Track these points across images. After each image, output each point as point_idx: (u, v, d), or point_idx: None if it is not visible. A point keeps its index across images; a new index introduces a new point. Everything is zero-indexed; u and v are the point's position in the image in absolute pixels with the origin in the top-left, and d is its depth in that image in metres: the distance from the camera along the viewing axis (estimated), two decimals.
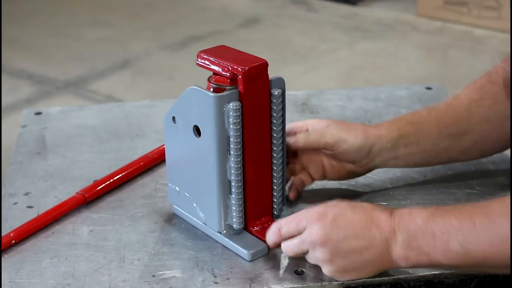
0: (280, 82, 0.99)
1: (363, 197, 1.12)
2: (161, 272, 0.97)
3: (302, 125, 1.09)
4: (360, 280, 0.94)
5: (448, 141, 1.08)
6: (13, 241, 1.02)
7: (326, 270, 0.93)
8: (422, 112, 1.09)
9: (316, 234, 0.91)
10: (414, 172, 1.17)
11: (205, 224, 1.03)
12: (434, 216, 0.88)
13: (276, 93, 0.98)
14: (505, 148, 1.12)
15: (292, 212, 1.06)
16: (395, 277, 0.95)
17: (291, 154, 1.08)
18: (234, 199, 0.99)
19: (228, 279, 0.95)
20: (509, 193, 0.89)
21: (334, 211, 0.92)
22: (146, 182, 1.18)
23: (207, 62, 0.98)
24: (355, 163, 1.07)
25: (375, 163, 1.08)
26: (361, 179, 1.13)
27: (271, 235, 0.96)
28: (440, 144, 1.08)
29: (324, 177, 1.10)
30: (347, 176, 1.10)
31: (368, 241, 0.90)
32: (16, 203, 1.12)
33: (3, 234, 1.03)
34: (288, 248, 0.95)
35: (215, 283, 0.95)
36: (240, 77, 0.95)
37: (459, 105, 1.09)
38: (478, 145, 1.10)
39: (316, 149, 1.07)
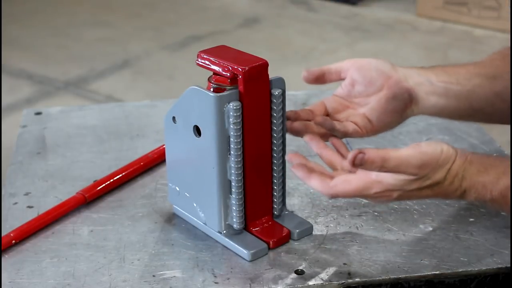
0: (280, 82, 0.99)
1: None
2: (161, 272, 0.97)
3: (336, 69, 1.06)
4: (360, 280, 0.95)
5: (481, 79, 1.07)
6: (13, 241, 1.02)
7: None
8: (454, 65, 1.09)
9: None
10: None
11: (205, 224, 1.03)
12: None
13: (277, 93, 0.98)
14: None
15: (293, 213, 1.07)
16: (395, 277, 0.95)
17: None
18: (234, 199, 0.99)
19: (228, 279, 0.95)
20: None
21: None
22: (146, 182, 1.18)
23: (207, 62, 0.98)
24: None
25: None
26: None
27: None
28: (473, 80, 1.07)
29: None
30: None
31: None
32: (16, 203, 1.12)
33: (3, 234, 1.03)
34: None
35: (216, 283, 0.95)
36: (240, 77, 0.95)
37: (488, 58, 1.09)
38: (506, 93, 1.08)
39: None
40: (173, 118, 1.01)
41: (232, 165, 0.97)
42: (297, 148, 1.27)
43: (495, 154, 1.24)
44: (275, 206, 1.03)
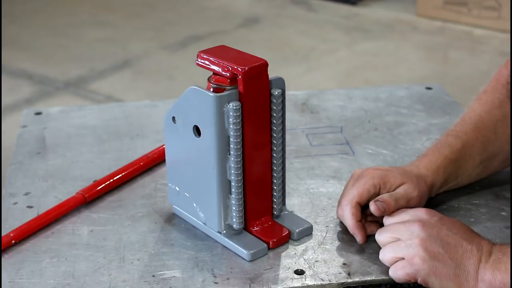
0: (280, 82, 0.99)
1: None
2: (161, 272, 0.97)
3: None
4: (360, 280, 0.94)
5: (481, 168, 1.11)
6: (13, 241, 1.02)
7: (408, 268, 0.92)
8: (457, 144, 1.09)
9: (420, 223, 0.94)
10: None
11: (205, 224, 1.03)
12: None
13: (276, 93, 0.98)
14: None
15: (293, 213, 1.07)
16: None
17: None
18: (234, 199, 0.99)
19: (228, 279, 0.95)
20: None
21: (441, 215, 0.97)
22: (146, 182, 1.18)
23: (207, 62, 0.98)
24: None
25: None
26: None
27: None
28: (474, 172, 1.11)
29: None
30: None
31: (465, 249, 0.92)
32: (16, 203, 1.12)
33: (3, 234, 1.03)
34: (384, 231, 0.97)
35: (215, 283, 0.95)
36: (240, 77, 0.95)
37: (486, 129, 1.10)
38: (504, 164, 1.14)
39: None
40: (173, 118, 1.01)
41: (232, 165, 0.97)
42: (297, 148, 1.27)
43: None
44: (275, 206, 1.03)
